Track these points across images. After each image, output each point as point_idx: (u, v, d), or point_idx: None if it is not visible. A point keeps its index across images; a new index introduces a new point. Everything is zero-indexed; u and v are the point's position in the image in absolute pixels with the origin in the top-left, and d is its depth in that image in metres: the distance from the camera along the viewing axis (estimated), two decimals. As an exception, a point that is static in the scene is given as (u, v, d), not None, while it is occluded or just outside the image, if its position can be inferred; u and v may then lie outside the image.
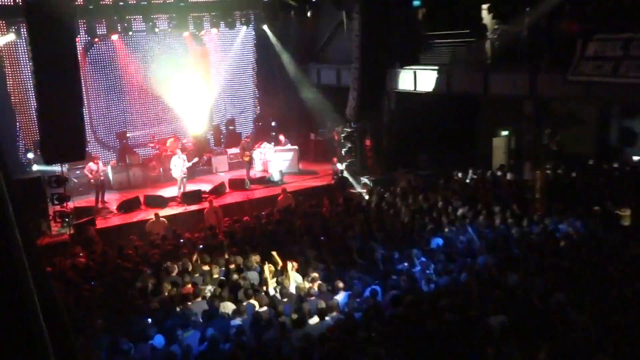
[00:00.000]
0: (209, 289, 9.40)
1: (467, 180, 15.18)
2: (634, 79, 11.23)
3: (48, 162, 13.34)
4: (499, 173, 15.96)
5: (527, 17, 13.33)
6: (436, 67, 15.59)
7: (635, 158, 16.93)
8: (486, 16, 15.72)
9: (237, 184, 16.43)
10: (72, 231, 13.29)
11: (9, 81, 15.32)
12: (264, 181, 16.87)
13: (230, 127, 19.62)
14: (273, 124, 19.36)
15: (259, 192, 16.17)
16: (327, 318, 7.99)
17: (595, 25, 12.19)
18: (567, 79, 12.38)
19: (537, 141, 13.51)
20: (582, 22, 12.55)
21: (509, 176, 15.35)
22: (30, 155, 15.61)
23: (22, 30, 13.99)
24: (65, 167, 14.28)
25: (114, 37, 16.52)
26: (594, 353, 6.45)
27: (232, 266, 10.41)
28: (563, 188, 13.87)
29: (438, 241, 10.94)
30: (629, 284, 8.30)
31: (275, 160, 17.78)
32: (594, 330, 7.10)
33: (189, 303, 8.83)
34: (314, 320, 8.04)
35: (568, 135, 17.12)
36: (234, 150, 18.32)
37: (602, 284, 8.44)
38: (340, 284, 9.24)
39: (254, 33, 19.26)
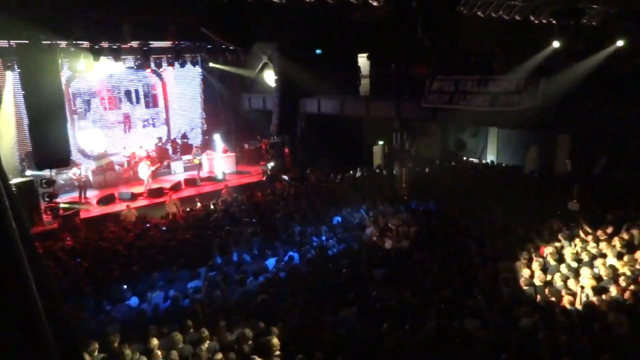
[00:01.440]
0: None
1: (357, 176, 15.54)
2: (461, 106, 11.85)
3: (39, 168, 12.26)
4: (377, 170, 16.49)
5: (393, 63, 13.79)
6: (333, 96, 15.76)
7: (464, 158, 18.08)
8: (365, 62, 16.19)
9: (190, 182, 15.88)
10: (60, 221, 12.29)
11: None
12: (211, 179, 16.42)
13: (184, 140, 18.86)
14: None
15: (207, 188, 15.63)
16: (260, 277, 7.92)
17: (437, 70, 12.80)
18: (420, 106, 12.88)
19: (402, 148, 14.00)
20: (429, 67, 13.14)
21: (384, 172, 15.87)
22: (25, 163, 14.22)
23: (15, 65, 12.59)
24: (54, 172, 13.18)
25: (91, 72, 15.40)
26: (441, 289, 6.83)
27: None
28: (419, 180, 14.52)
29: (338, 219, 11.11)
30: (462, 242, 8.85)
31: (218, 163, 17.35)
32: (441, 274, 7.51)
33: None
34: (251, 279, 7.94)
35: (422, 143, 18.00)
36: (188, 156, 17.71)
37: (445, 243, 8.95)
38: (269, 252, 9.17)
39: (200, 70, 18.57)
